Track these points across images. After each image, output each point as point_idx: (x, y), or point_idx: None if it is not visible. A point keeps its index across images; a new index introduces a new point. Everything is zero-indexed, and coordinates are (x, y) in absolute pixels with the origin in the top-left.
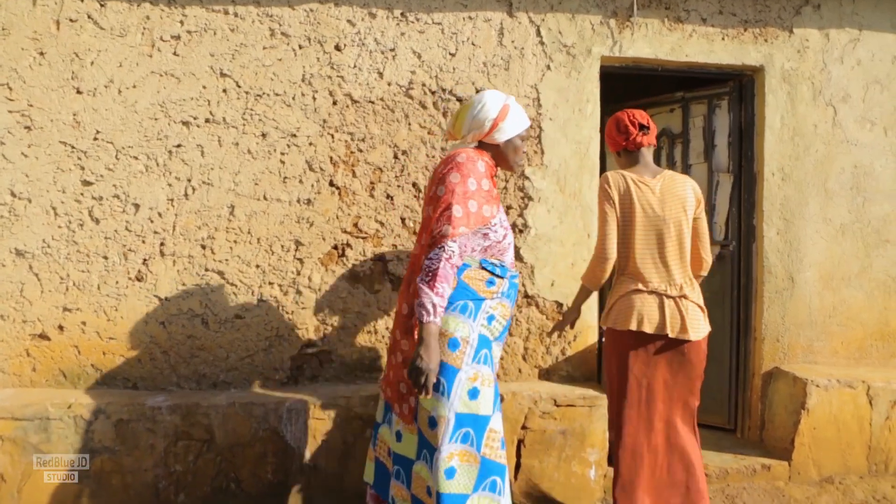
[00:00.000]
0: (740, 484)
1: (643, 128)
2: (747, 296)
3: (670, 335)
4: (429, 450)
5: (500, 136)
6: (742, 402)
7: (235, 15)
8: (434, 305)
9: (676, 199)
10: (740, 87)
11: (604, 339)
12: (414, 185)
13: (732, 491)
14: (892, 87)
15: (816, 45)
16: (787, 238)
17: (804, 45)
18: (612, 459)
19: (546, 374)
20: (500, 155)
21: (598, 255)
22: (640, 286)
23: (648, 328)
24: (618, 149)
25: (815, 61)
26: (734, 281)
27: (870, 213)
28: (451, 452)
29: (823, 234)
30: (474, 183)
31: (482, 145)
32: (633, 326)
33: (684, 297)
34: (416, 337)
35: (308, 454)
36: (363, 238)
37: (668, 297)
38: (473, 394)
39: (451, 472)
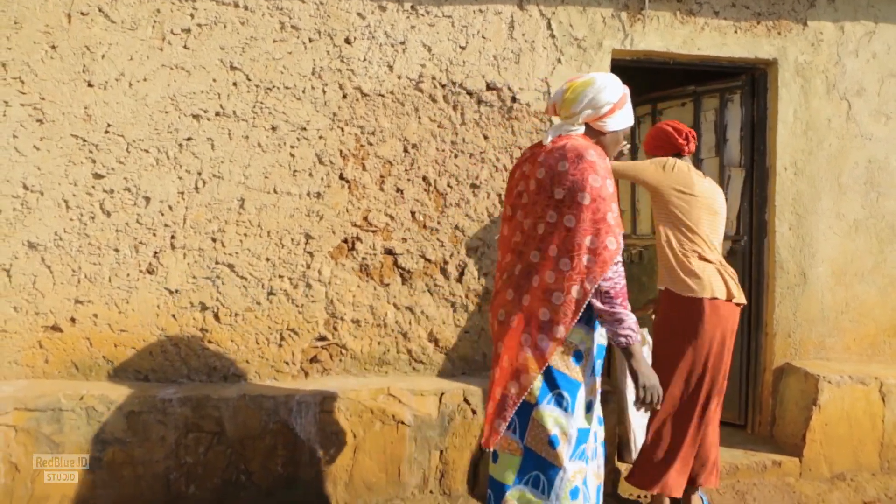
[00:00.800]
0: (751, 480)
1: (694, 137)
2: (759, 291)
3: (739, 302)
4: (544, 470)
5: (611, 125)
6: (753, 397)
7: (245, 8)
8: (636, 325)
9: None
10: (753, 80)
11: (667, 305)
12: (424, 178)
13: (743, 487)
14: None
15: (831, 37)
16: (800, 233)
17: (818, 38)
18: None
19: None
20: (602, 145)
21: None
22: (707, 258)
23: (722, 295)
24: (672, 152)
25: (829, 54)
26: (745, 276)
27: (884, 209)
28: (574, 471)
29: (836, 229)
30: (611, 184)
31: (587, 131)
32: (720, 295)
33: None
34: (529, 352)
35: (318, 447)
36: (373, 231)
37: (723, 265)
38: (589, 407)
39: (575, 493)
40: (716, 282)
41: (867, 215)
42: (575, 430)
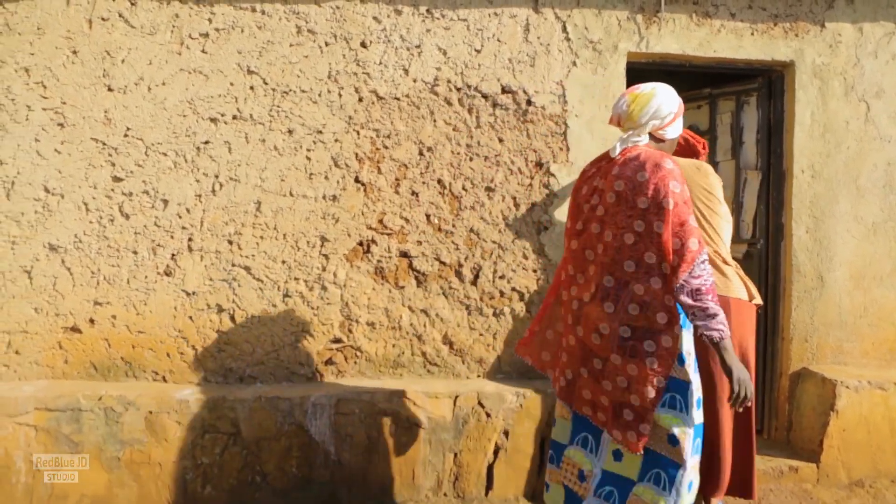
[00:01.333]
0: (767, 485)
1: (706, 147)
2: (775, 295)
3: (758, 303)
4: (664, 468)
5: (671, 133)
6: (769, 402)
7: (263, 12)
8: (726, 323)
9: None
10: (769, 82)
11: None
12: (439, 181)
13: (759, 493)
14: None
15: (849, 39)
16: (817, 236)
17: (836, 40)
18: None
19: None
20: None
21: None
22: (728, 261)
23: (744, 296)
24: (693, 156)
25: (847, 56)
26: (762, 280)
27: None
28: (691, 466)
29: (854, 232)
30: (686, 189)
31: (650, 139)
32: (742, 295)
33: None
34: (643, 361)
35: (332, 449)
36: (388, 234)
37: (738, 268)
38: (699, 403)
39: (690, 486)
40: (737, 283)
41: (886, 218)
42: (691, 427)
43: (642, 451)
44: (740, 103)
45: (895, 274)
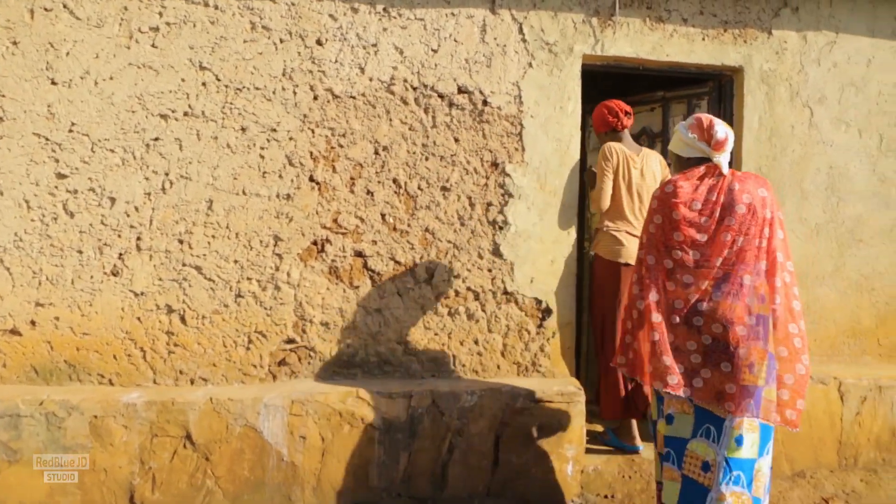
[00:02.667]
0: None
1: (628, 114)
2: None
3: None
4: (771, 436)
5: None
6: None
7: (215, 7)
8: None
9: (652, 171)
10: (720, 87)
11: (595, 266)
12: (394, 181)
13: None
14: (866, 90)
15: (794, 46)
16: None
17: (782, 47)
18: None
19: (524, 371)
20: None
21: (596, 205)
22: (626, 231)
23: (631, 261)
24: (608, 129)
25: (792, 63)
26: None
27: (843, 214)
28: (738, 421)
29: (799, 233)
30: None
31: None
32: (623, 260)
33: None
34: (770, 340)
35: (286, 451)
36: (343, 234)
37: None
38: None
39: (740, 440)
40: (635, 250)
41: (828, 220)
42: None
43: (760, 426)
44: (692, 106)
45: (836, 274)
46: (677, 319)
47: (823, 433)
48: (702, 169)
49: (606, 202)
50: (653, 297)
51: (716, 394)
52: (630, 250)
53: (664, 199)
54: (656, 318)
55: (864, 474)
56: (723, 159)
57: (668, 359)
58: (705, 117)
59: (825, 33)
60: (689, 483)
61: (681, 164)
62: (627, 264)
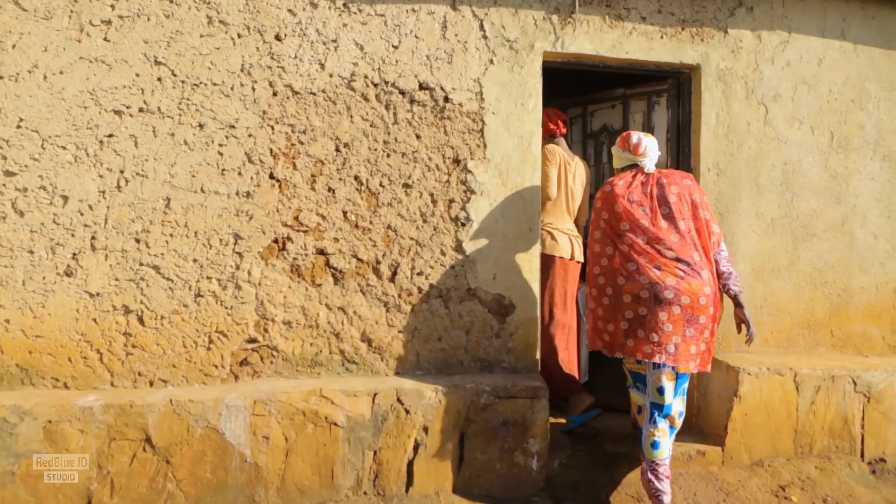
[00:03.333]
0: (677, 470)
1: (565, 122)
2: None
3: (578, 260)
4: (686, 383)
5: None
6: None
7: (171, 1)
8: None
9: (580, 176)
10: (678, 84)
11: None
12: (356, 178)
13: (670, 476)
14: (818, 89)
15: (749, 45)
16: (722, 231)
17: (738, 46)
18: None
19: (488, 367)
20: None
21: (545, 193)
22: (556, 228)
23: (566, 255)
24: (548, 134)
25: (748, 61)
26: None
27: (798, 209)
28: None
29: (755, 228)
30: None
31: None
32: (553, 253)
33: (577, 236)
34: (721, 307)
35: (248, 451)
36: (304, 231)
37: (573, 236)
38: None
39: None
40: (565, 245)
41: (783, 215)
42: None
43: (677, 376)
44: (651, 104)
45: (791, 267)
46: (646, 294)
47: (780, 423)
48: (632, 171)
49: (554, 190)
50: (620, 281)
51: (680, 353)
52: (560, 245)
53: (605, 197)
54: (627, 298)
55: (818, 461)
56: (646, 161)
57: (642, 332)
58: (626, 133)
59: (778, 33)
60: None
61: (618, 174)
62: (559, 257)
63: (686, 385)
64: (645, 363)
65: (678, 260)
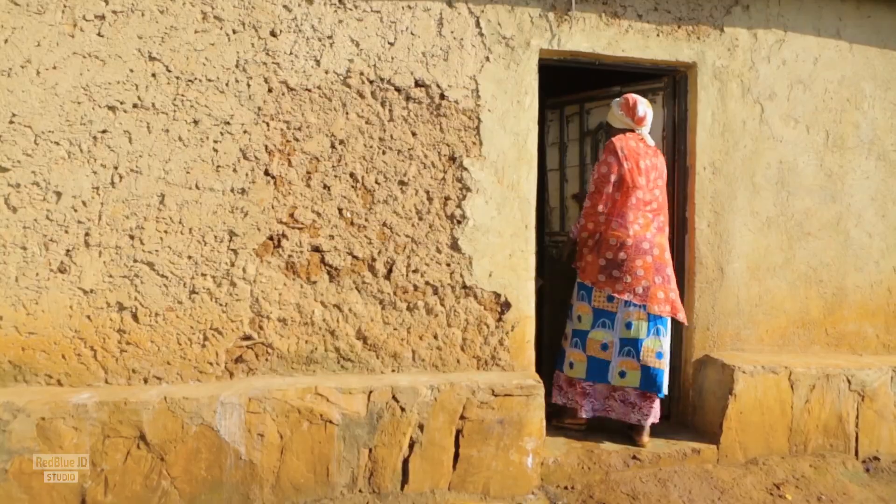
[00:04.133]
0: (672, 468)
1: None
2: (680, 286)
3: None
4: (662, 324)
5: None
6: (674, 389)
7: None
8: None
9: None
10: (674, 82)
11: None
12: (351, 175)
13: (664, 475)
14: (813, 87)
15: (745, 44)
16: (718, 230)
17: (734, 44)
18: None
19: (484, 365)
20: None
21: None
22: None
23: None
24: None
25: (744, 60)
26: None
27: (793, 207)
28: None
29: (751, 226)
30: None
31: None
32: None
33: None
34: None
35: (243, 449)
36: (299, 229)
37: None
38: None
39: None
40: None
41: (778, 213)
42: None
43: (650, 317)
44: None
45: (786, 265)
46: (630, 243)
47: (775, 421)
48: (635, 136)
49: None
50: (614, 225)
51: (661, 299)
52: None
53: (620, 151)
54: (612, 241)
55: (813, 460)
56: (645, 132)
57: (617, 272)
58: (631, 97)
59: (774, 31)
60: (591, 360)
61: (612, 133)
62: None
63: (665, 330)
64: (616, 301)
65: (654, 220)
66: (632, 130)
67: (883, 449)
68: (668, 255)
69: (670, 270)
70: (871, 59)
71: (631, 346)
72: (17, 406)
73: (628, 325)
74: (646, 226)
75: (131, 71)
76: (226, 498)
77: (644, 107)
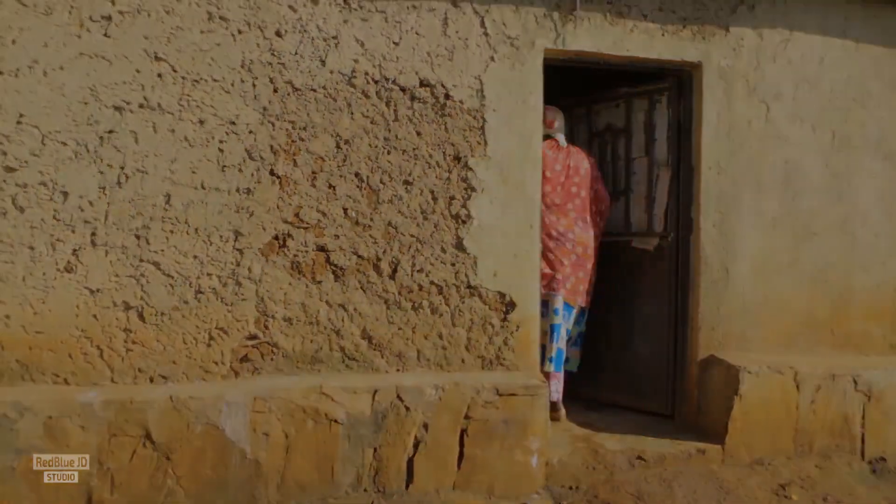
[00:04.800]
0: (677, 468)
1: None
2: (685, 286)
3: None
4: (584, 314)
5: None
6: (679, 389)
7: None
8: None
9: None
10: (679, 82)
11: None
12: (356, 174)
13: (669, 475)
14: (819, 87)
15: (751, 43)
16: (723, 230)
17: (739, 44)
18: None
19: (489, 365)
20: None
21: None
22: None
23: None
24: None
25: (749, 59)
26: (672, 271)
27: (799, 207)
28: None
29: (756, 226)
30: None
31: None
32: None
33: None
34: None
35: (249, 448)
36: (305, 228)
37: None
38: None
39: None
40: None
41: (784, 213)
42: None
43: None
44: (653, 102)
45: (792, 266)
46: (554, 244)
47: (780, 421)
48: (551, 141)
49: None
50: (547, 227)
51: (581, 292)
52: None
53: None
54: (548, 241)
55: (818, 460)
56: (560, 136)
57: (549, 269)
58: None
59: (780, 31)
60: (559, 351)
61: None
62: None
63: (582, 319)
64: (550, 292)
65: (578, 218)
66: (551, 137)
67: (889, 450)
68: (591, 251)
69: (591, 264)
70: (878, 59)
71: (557, 330)
72: (25, 405)
73: (555, 311)
74: (571, 224)
75: (137, 71)
76: (231, 497)
77: (552, 112)
